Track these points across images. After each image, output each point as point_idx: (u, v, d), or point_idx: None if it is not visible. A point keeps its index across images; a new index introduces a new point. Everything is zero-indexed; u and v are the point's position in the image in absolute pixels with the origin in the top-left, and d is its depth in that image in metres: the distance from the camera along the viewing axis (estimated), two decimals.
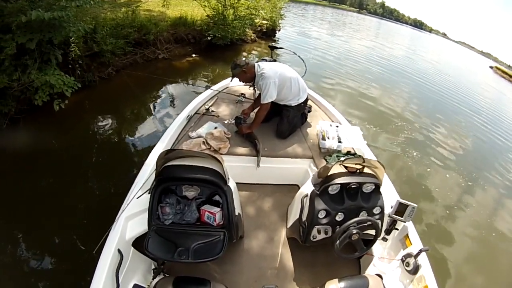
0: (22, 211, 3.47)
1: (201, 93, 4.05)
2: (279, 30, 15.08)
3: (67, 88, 4.71)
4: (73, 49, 5.63)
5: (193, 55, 9.45)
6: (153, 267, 2.23)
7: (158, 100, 6.51)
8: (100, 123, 5.45)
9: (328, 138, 3.19)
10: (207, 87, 4.32)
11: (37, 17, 4.04)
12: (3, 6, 4.28)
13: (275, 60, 3.89)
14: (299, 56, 4.54)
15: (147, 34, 8.05)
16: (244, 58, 3.18)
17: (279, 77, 3.15)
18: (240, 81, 3.39)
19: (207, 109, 3.64)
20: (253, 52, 11.33)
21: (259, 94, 3.33)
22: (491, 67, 44.19)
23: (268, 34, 14.00)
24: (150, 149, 2.87)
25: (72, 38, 5.49)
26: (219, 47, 10.02)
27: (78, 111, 5.48)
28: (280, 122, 3.38)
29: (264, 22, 13.50)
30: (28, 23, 4.16)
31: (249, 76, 3.24)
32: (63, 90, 4.66)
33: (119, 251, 1.86)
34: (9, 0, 4.42)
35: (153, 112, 5.98)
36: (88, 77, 6.13)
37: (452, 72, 19.73)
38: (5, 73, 4.39)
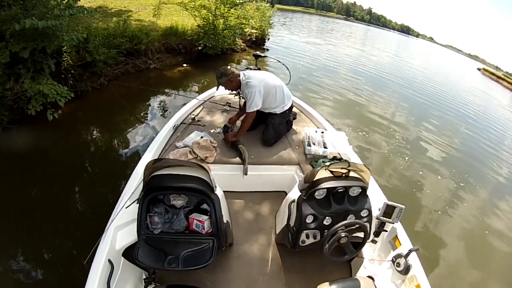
0: (11, 222, 3.44)
1: (187, 102, 4.08)
2: (268, 39, 15.21)
3: (60, 97, 4.69)
4: (65, 58, 5.62)
5: (184, 65, 9.49)
6: (144, 276, 2.25)
7: (149, 110, 6.54)
8: (92, 133, 5.48)
9: (314, 144, 3.23)
10: (193, 97, 4.37)
11: (31, 26, 4.06)
12: None
13: (259, 69, 3.96)
14: (283, 64, 4.63)
15: (139, 44, 8.07)
16: (229, 67, 3.23)
17: (264, 86, 3.21)
18: (226, 89, 3.43)
19: (193, 119, 3.68)
20: (243, 61, 11.39)
21: (245, 102, 3.38)
22: (478, 69, 45.08)
23: (258, 43, 14.13)
24: (139, 158, 2.90)
25: (65, 48, 5.49)
26: (209, 56, 10.09)
27: (70, 121, 5.47)
28: (265, 129, 3.42)
29: (254, 31, 13.61)
30: (21, 31, 4.17)
31: (234, 84, 3.29)
32: (56, 99, 4.63)
33: (109, 261, 1.87)
34: (2, 7, 4.38)
35: (144, 122, 6.00)
36: (80, 87, 6.12)
37: (440, 78, 19.85)
38: None
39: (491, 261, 4.23)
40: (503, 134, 10.80)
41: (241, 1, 10.91)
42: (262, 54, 4.74)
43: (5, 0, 4.47)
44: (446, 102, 12.56)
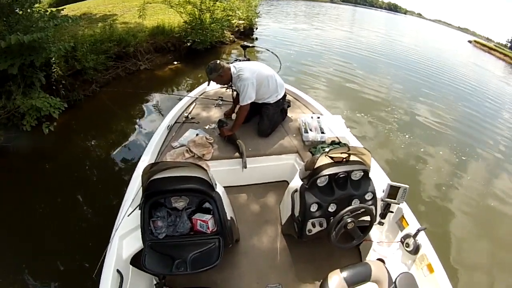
0: (14, 237, 3.46)
1: (179, 100, 4.04)
2: (256, 29, 15.03)
3: (54, 109, 4.67)
4: (55, 69, 5.58)
5: (175, 63, 9.42)
6: (154, 282, 2.25)
7: (143, 113, 6.50)
8: (88, 142, 5.48)
9: (311, 130, 3.22)
10: (184, 95, 4.33)
11: (17, 41, 4.01)
12: None
13: (249, 59, 3.95)
14: (272, 52, 4.59)
15: (127, 47, 8.00)
16: (218, 61, 3.18)
17: (256, 77, 3.18)
18: (217, 84, 3.43)
19: (187, 117, 3.63)
20: (233, 52, 11.27)
21: (238, 95, 3.37)
22: (469, 42, 44.58)
23: (246, 33, 13.95)
24: (137, 163, 2.88)
25: (53, 59, 5.44)
26: (199, 52, 10.00)
27: (66, 131, 5.45)
28: (260, 120, 3.40)
29: (241, 22, 13.46)
30: (7, 48, 4.13)
31: (225, 79, 3.24)
32: (50, 112, 4.59)
33: (118, 271, 1.87)
34: None
35: (139, 125, 5.98)
36: (73, 96, 6.09)
37: (431, 54, 19.44)
38: None
39: (499, 231, 4.27)
40: (499, 105, 10.78)
41: None
42: (250, 44, 4.70)
43: None
44: (439, 78, 12.43)
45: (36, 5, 4.95)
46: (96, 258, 1.94)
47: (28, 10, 4.88)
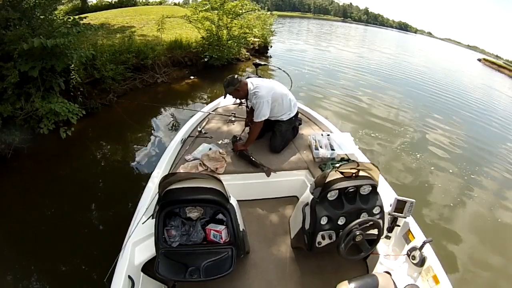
0: (27, 241, 3.46)
1: (193, 115, 4.13)
2: (271, 47, 15.18)
3: (72, 115, 4.67)
4: (73, 76, 5.62)
5: (191, 77, 9.52)
6: None
7: (158, 125, 6.57)
8: (104, 150, 5.52)
9: (321, 147, 3.28)
10: (198, 109, 4.45)
11: (39, 45, 4.08)
12: (3, 34, 4.25)
13: (260, 77, 4.04)
14: (284, 71, 4.73)
15: (145, 59, 8.14)
16: (236, 76, 3.27)
17: (272, 95, 3.26)
18: (233, 97, 3.56)
19: (200, 131, 3.70)
20: (247, 69, 11.32)
21: (251, 108, 3.45)
22: (479, 60, 44.53)
23: (261, 51, 14.13)
24: (151, 173, 2.92)
25: (72, 66, 5.48)
26: (216, 67, 10.15)
27: (81, 138, 5.52)
28: (273, 137, 3.46)
29: (256, 39, 13.62)
30: (29, 50, 4.18)
31: (242, 94, 3.33)
32: (68, 117, 4.60)
33: (129, 277, 1.90)
34: (8, 27, 4.36)
35: (153, 136, 6.03)
36: (90, 104, 6.15)
37: (441, 75, 19.31)
38: (9, 102, 4.39)
39: (506, 244, 4.23)
40: (507, 126, 10.57)
41: (243, 11, 10.96)
42: (262, 63, 4.81)
43: (11, 20, 4.47)
44: (449, 98, 12.37)
45: (56, 12, 5.01)
46: (107, 263, 1.94)
47: (49, 16, 4.97)
